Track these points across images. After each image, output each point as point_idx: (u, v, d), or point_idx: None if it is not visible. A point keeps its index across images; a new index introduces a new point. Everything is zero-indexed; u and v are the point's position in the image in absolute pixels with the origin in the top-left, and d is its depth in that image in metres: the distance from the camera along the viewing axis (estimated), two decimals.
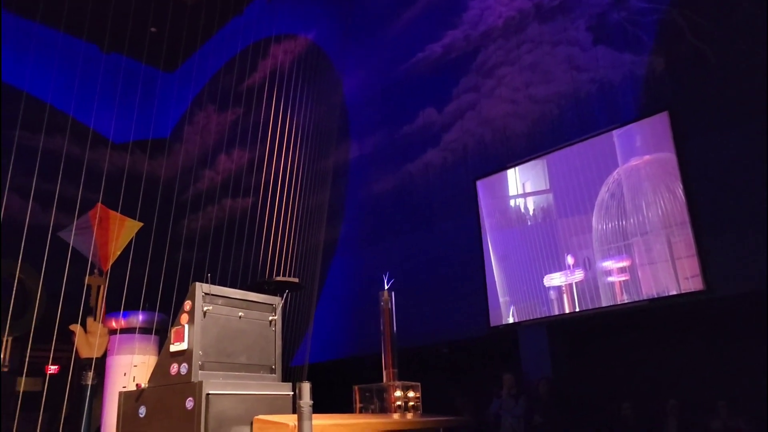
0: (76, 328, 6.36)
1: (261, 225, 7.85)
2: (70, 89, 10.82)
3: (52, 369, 8.10)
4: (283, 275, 7.43)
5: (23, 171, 7.78)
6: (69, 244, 6.51)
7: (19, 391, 6.75)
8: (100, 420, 7.32)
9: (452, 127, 7.86)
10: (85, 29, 10.22)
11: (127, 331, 7.37)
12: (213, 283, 3.89)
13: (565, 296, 6.31)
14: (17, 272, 6.06)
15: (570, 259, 6.33)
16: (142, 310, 7.47)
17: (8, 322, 6.11)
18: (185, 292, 3.82)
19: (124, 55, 11.75)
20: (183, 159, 11.86)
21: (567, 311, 6.29)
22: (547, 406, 6.13)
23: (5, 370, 5.77)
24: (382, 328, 5.50)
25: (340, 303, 8.44)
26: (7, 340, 5.89)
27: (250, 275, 7.43)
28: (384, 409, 5.10)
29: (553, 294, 6.43)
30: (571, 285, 6.28)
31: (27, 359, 6.36)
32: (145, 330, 7.60)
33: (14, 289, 5.67)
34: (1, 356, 5.75)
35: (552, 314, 6.41)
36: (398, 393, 5.05)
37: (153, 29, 10.76)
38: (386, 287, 5.53)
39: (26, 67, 10.13)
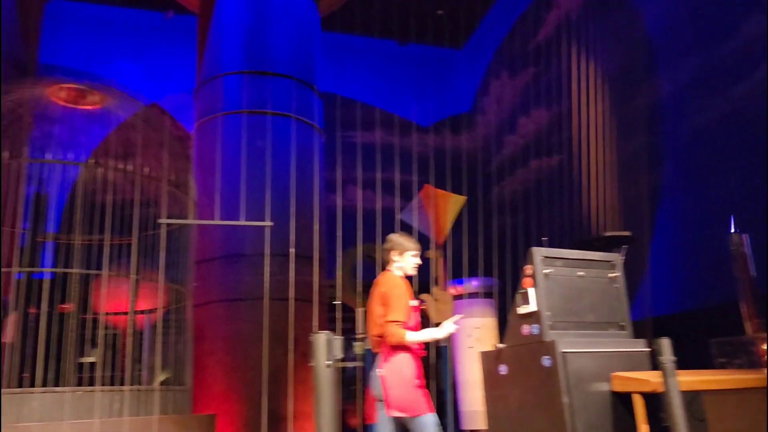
0: (427, 297, 7.15)
1: (575, 180, 7.70)
2: (380, 86, 12.12)
3: None
4: (610, 229, 7.19)
5: (356, 165, 8.98)
6: (410, 224, 7.37)
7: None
8: (454, 375, 8.12)
9: None
10: (385, 29, 11.29)
11: (466, 296, 8.04)
12: (539, 245, 3.99)
13: None
14: (372, 253, 7.08)
15: None
16: (476, 276, 8.04)
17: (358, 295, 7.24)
18: (511, 257, 4.00)
19: (418, 43, 12.64)
20: (485, 129, 12.27)
21: None
22: None
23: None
24: (736, 274, 4.94)
25: (675, 251, 7.80)
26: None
27: (574, 233, 7.37)
28: (753, 364, 4.59)
29: None
30: None
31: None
32: (480, 294, 8.17)
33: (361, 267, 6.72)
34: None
35: None
36: None
37: (440, 12, 11.32)
38: (736, 229, 4.93)
39: (343, 76, 11.60)
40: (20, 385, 4.66)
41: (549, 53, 9.97)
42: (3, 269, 5.07)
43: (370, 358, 7.01)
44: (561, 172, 9.28)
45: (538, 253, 3.86)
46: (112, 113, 5.77)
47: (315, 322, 6.82)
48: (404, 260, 3.74)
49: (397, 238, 3.82)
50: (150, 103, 8.44)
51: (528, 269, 3.85)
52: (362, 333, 6.96)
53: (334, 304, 7.38)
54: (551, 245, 4.01)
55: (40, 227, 5.67)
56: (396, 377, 3.47)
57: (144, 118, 5.74)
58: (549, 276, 3.82)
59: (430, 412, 3.49)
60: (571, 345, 3.64)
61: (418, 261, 3.82)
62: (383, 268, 3.82)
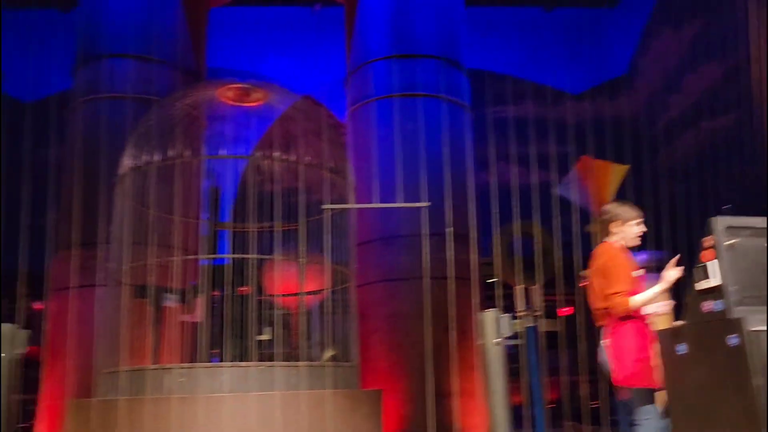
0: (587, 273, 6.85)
1: (756, 139, 6.89)
2: (528, 56, 11.70)
3: (567, 311, 8.95)
4: None
5: (508, 140, 8.79)
6: (567, 199, 7.09)
7: (542, 332, 7.68)
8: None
9: None
10: None
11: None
12: (717, 213, 3.64)
13: None
14: (529, 230, 6.93)
15: None
16: (644, 250, 7.53)
17: (520, 274, 7.11)
18: (685, 227, 3.72)
19: (565, 7, 12.01)
20: (646, 91, 11.38)
21: None
22: None
23: (537, 314, 6.67)
24: None
25: None
26: (533, 289, 6.80)
27: (759, 199, 6.61)
28: None
29: None
30: None
31: (545, 304, 7.22)
32: (650, 269, 7.64)
33: (529, 245, 6.58)
34: (531, 303, 6.68)
35: None
36: None
37: None
38: None
39: (489, 50, 11.36)
40: (211, 360, 5.20)
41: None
42: (191, 257, 5.66)
43: (532, 336, 6.90)
44: (740, 131, 8.35)
45: (720, 222, 3.52)
46: (273, 108, 6.16)
47: (475, 301, 6.82)
48: (626, 230, 3.66)
49: (616, 208, 3.74)
50: (304, 95, 8.90)
51: (707, 241, 3.53)
52: (522, 310, 6.84)
53: (490, 282, 7.32)
54: (733, 213, 3.66)
55: (217, 218, 6.23)
56: (620, 347, 3.46)
57: (301, 110, 6.06)
58: (734, 247, 3.48)
59: (652, 386, 3.45)
60: (763, 323, 3.29)
61: (643, 228, 3.71)
62: (600, 241, 3.73)
